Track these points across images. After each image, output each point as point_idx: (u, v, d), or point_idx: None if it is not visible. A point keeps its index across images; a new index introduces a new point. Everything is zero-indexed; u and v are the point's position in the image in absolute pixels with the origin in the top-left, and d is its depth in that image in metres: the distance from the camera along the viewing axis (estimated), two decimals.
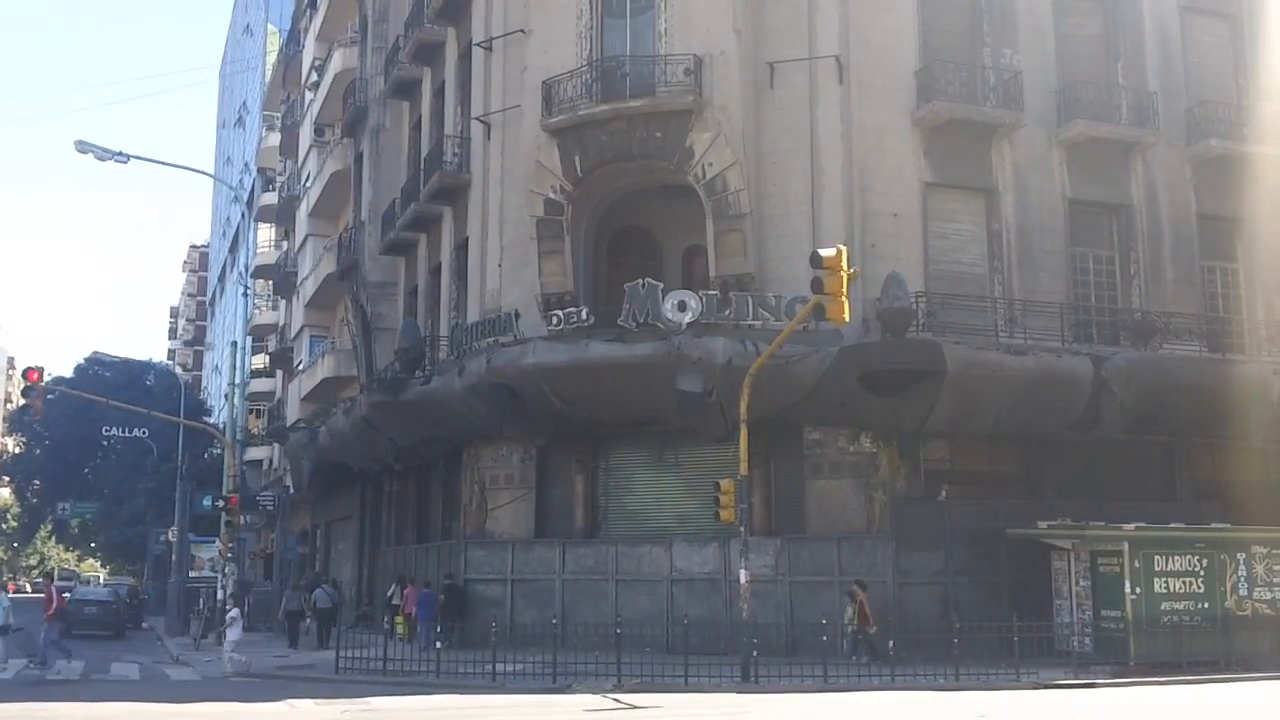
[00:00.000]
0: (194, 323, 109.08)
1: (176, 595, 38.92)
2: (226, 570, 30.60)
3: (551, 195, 25.96)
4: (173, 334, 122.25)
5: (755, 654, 19.66)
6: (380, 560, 34.15)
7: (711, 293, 24.31)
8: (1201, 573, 21.98)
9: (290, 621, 30.23)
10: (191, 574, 43.80)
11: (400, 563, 31.48)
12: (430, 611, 25.41)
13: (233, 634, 23.36)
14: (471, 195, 29.15)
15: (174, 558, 41.98)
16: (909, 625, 21.82)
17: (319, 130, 46.62)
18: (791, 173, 25.45)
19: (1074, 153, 27.32)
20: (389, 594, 29.67)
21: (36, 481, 66.70)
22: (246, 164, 72.26)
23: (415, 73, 34.04)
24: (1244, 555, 22.44)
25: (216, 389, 74.44)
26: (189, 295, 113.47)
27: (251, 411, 58.73)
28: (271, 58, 64.73)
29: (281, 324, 56.30)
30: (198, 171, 57.67)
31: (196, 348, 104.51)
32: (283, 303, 56.76)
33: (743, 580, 20.76)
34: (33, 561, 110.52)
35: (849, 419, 24.52)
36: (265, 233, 62.16)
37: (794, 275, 23.28)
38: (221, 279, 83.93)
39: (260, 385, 59.15)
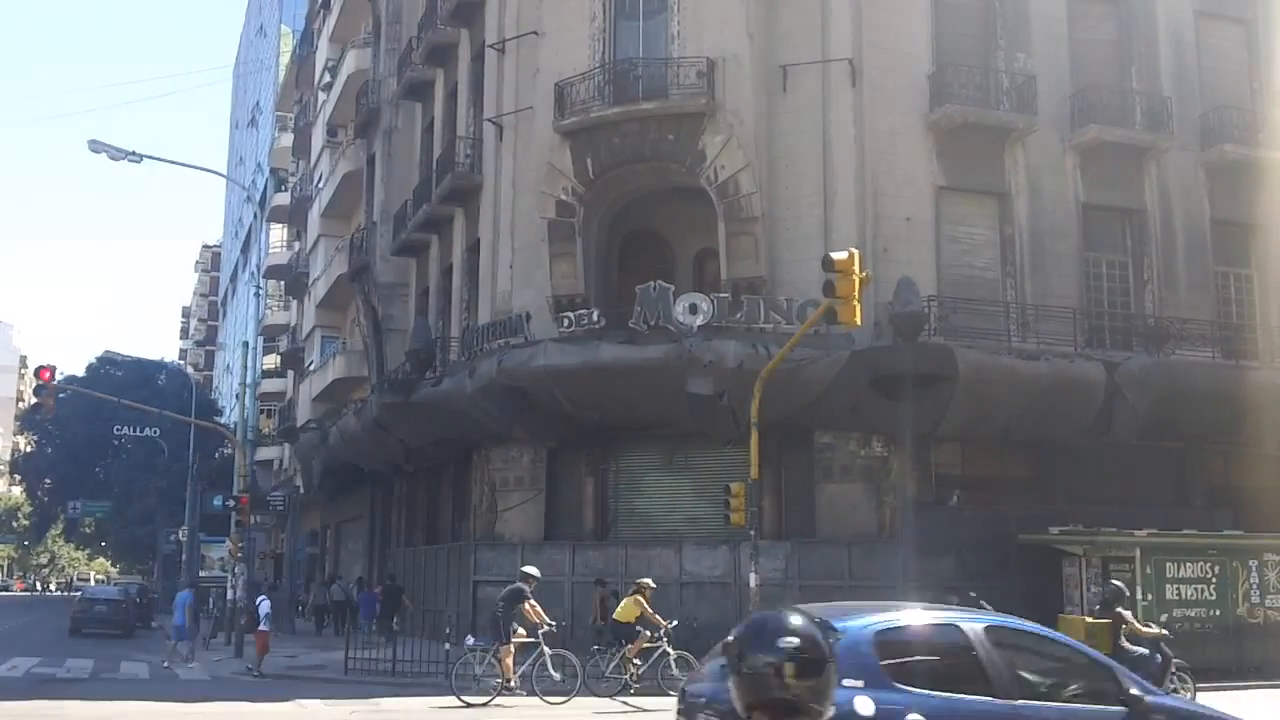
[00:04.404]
0: (206, 322, 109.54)
1: None
2: (236, 570, 30.65)
3: (563, 197, 25.96)
4: (184, 334, 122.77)
5: None
6: (390, 561, 34.18)
7: (723, 295, 24.27)
8: (1214, 579, 21.92)
9: (318, 616, 33.92)
10: (201, 574, 43.90)
11: (409, 564, 31.52)
12: (369, 610, 29.30)
13: None
14: (483, 197, 29.15)
15: (184, 557, 42.10)
16: None
17: (332, 131, 46.73)
18: (803, 176, 25.41)
19: (1087, 157, 27.22)
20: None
21: (48, 480, 66.83)
22: (259, 164, 72.46)
23: (428, 74, 34.07)
24: (1256, 563, 22.40)
25: (228, 389, 74.57)
26: (201, 295, 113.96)
27: (262, 412, 58.81)
28: (285, 58, 64.88)
29: (293, 324, 56.43)
30: (210, 171, 58.33)
31: (208, 347, 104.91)
32: (294, 303, 56.88)
33: (752, 584, 20.70)
34: (43, 560, 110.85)
35: (860, 423, 24.47)
36: (277, 233, 62.28)
37: (805, 278, 23.23)
38: (233, 279, 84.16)
39: (271, 385, 59.25)
